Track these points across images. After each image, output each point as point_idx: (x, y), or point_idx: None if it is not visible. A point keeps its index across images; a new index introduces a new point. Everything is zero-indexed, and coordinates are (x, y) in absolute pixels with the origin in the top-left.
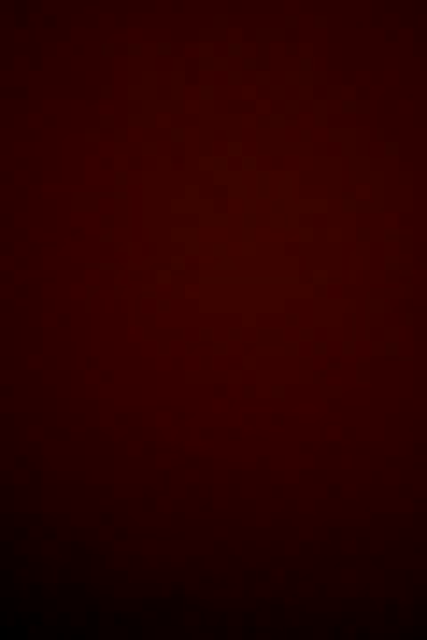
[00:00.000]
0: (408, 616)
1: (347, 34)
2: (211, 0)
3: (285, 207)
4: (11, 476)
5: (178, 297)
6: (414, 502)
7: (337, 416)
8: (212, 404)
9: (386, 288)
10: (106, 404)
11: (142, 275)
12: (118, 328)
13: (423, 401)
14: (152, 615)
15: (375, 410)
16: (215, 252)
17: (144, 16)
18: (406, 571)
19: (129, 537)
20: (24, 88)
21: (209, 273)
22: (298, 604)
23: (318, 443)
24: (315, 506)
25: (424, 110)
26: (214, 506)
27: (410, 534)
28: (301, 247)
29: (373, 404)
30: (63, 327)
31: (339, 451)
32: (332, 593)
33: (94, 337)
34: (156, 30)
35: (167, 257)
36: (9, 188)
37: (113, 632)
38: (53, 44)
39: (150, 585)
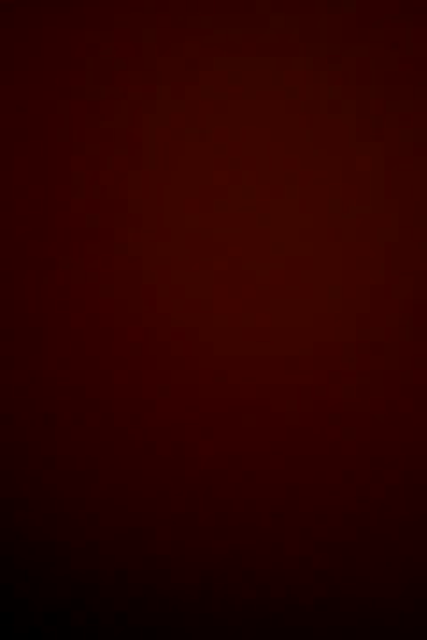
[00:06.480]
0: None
1: (348, 35)
2: (211, 3)
3: (285, 213)
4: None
5: (177, 304)
6: (413, 506)
7: (338, 426)
8: (210, 416)
9: (386, 290)
10: (106, 406)
11: (142, 280)
12: (119, 335)
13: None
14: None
15: (375, 418)
16: (214, 254)
17: (144, 19)
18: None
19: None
20: (25, 89)
21: (208, 276)
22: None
23: (318, 444)
24: (314, 515)
25: (425, 110)
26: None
27: (410, 541)
28: (301, 250)
29: (373, 412)
30: (62, 334)
31: (340, 454)
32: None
33: (94, 340)
34: (156, 31)
35: (168, 263)
36: (9, 188)
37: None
38: (54, 50)
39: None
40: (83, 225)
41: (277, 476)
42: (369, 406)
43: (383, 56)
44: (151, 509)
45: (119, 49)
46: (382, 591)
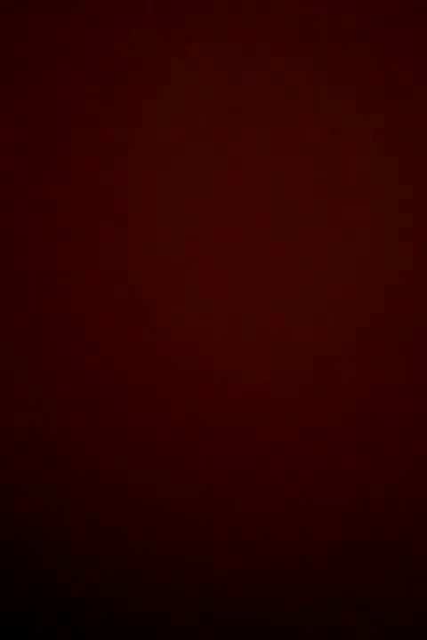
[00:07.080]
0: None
1: (349, 35)
2: (210, 3)
3: (285, 216)
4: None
5: (178, 305)
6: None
7: (335, 427)
8: (210, 416)
9: (387, 290)
10: (107, 406)
11: (143, 281)
12: (119, 334)
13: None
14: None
15: (375, 418)
16: (214, 258)
17: (144, 19)
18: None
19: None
20: (25, 89)
21: (209, 278)
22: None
23: (316, 444)
24: (314, 516)
25: (425, 110)
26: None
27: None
28: (301, 250)
29: (373, 412)
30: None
31: (338, 453)
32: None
33: (94, 339)
34: (157, 30)
35: (167, 261)
36: (9, 187)
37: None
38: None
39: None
40: (83, 226)
41: (278, 476)
42: (369, 406)
43: (384, 56)
44: (151, 509)
45: (119, 49)
46: (382, 591)
